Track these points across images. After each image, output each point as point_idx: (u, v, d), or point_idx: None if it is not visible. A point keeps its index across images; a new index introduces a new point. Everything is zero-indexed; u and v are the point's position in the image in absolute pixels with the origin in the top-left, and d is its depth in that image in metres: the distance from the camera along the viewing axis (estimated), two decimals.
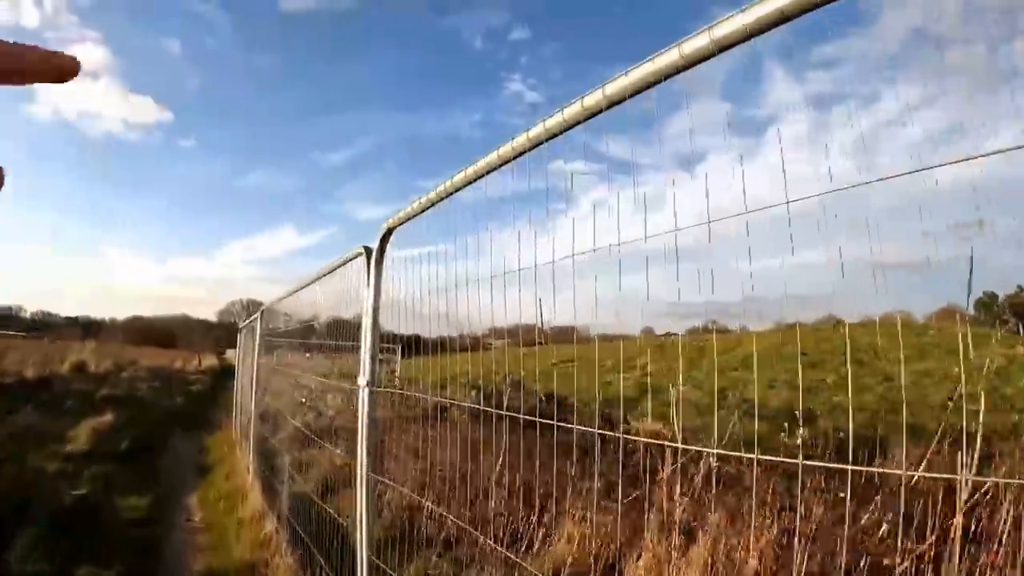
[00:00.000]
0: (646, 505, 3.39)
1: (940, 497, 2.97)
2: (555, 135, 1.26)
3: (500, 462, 3.40)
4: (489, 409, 1.64)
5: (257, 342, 5.61)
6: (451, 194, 1.66)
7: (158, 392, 12.78)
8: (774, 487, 3.76)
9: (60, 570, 3.48)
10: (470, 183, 1.58)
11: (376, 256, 2.00)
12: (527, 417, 1.52)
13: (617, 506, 3.47)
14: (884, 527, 3.09)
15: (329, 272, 2.73)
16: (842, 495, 3.52)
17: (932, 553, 2.64)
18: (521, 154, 1.37)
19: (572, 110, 1.18)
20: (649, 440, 4.07)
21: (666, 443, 3.55)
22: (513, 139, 1.37)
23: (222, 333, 42.39)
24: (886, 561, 2.90)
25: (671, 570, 2.97)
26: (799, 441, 2.92)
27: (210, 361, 24.97)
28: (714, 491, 3.77)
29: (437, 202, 1.73)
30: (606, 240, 1.16)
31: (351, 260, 2.30)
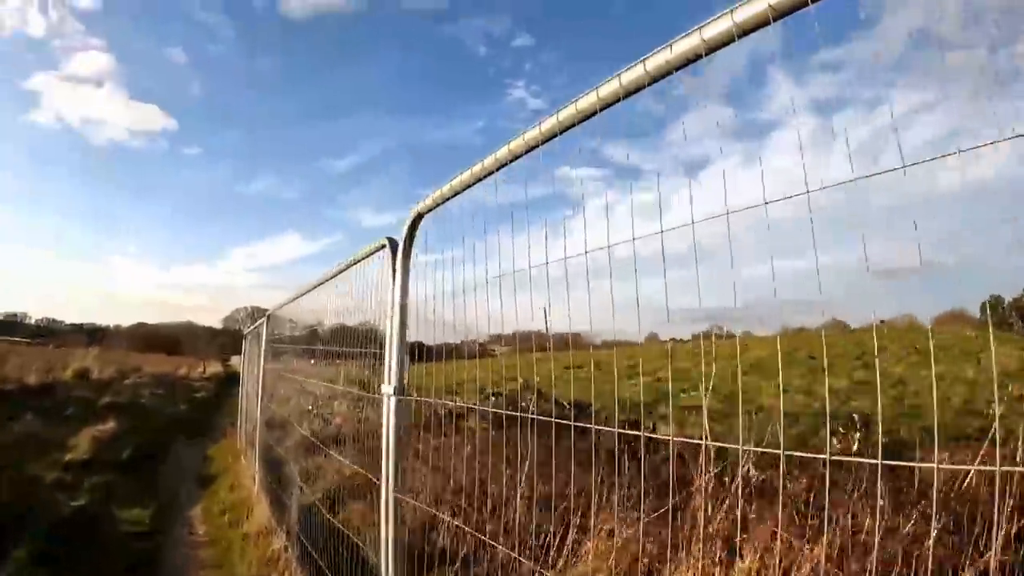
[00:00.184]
0: (671, 515, 3.15)
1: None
2: (589, 116, 1.20)
3: (525, 471, 3.17)
4: (523, 414, 1.53)
5: (263, 348, 5.40)
6: (482, 177, 1.53)
7: (162, 399, 12.61)
8: (813, 495, 3.51)
9: None
10: (502, 166, 1.46)
11: (403, 247, 1.78)
12: (560, 421, 1.43)
13: (641, 516, 3.23)
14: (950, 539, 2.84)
15: (345, 269, 2.50)
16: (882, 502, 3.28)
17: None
18: (551, 138, 1.31)
19: (587, 100, 1.16)
20: (687, 439, 3.82)
21: (718, 443, 3.30)
22: (541, 123, 1.30)
23: (227, 340, 42.34)
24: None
25: None
26: (854, 445, 2.66)
27: (215, 368, 24.91)
28: (753, 498, 3.51)
29: (472, 184, 1.57)
30: (620, 238, 1.15)
31: (372, 254, 2.08)
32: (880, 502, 3.23)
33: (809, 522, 3.18)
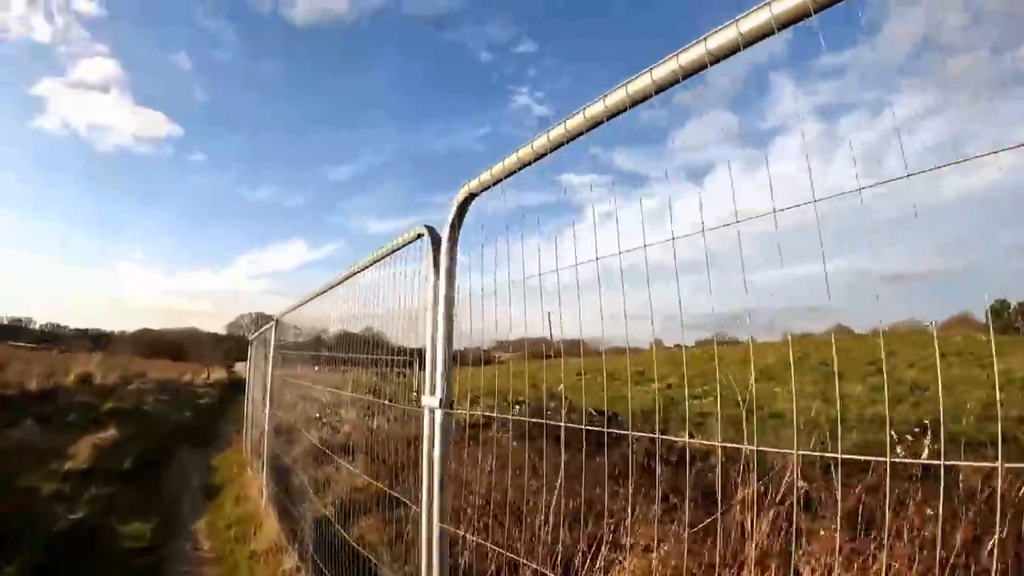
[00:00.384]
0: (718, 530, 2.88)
1: None
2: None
3: (558, 483, 2.91)
4: (555, 423, 1.39)
5: (271, 354, 5.16)
6: (545, 153, 1.36)
7: (165, 405, 12.40)
8: (862, 507, 3.25)
9: None
10: (563, 143, 1.34)
11: (449, 232, 1.56)
12: (592, 428, 1.34)
13: (685, 529, 2.96)
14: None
15: (373, 263, 2.23)
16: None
17: None
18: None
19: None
20: (732, 444, 3.55)
21: (766, 448, 3.03)
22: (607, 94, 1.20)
23: (232, 346, 42.23)
24: None
25: None
26: (925, 451, 2.40)
27: (219, 374, 24.74)
28: (796, 509, 3.24)
29: (531, 162, 1.40)
30: (625, 245, 1.15)
31: (407, 245, 1.83)
32: (940, 507, 2.97)
33: (866, 536, 2.91)
